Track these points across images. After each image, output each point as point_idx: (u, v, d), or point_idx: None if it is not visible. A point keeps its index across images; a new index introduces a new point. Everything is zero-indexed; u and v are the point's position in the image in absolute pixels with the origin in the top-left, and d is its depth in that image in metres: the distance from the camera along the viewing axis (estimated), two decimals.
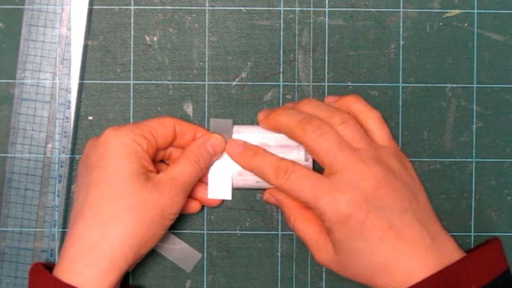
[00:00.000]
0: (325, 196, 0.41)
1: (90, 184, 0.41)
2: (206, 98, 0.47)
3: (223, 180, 0.46)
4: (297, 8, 0.47)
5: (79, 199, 0.42)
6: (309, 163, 0.45)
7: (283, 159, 0.43)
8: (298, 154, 0.45)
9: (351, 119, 0.43)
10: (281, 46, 0.47)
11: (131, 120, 0.47)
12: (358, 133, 0.42)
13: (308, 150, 0.42)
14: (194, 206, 0.46)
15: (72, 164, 0.47)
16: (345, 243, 0.41)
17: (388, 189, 0.41)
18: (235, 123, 0.47)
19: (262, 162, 0.44)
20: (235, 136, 0.46)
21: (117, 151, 0.41)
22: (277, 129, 0.44)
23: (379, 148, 0.43)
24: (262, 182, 0.44)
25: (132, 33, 0.47)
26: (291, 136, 0.43)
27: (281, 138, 0.45)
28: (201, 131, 0.45)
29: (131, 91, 0.47)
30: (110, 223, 0.40)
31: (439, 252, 0.40)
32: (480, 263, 0.40)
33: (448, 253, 0.40)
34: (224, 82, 0.47)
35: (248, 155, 0.44)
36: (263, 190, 0.46)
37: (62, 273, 0.40)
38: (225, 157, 0.45)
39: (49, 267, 0.42)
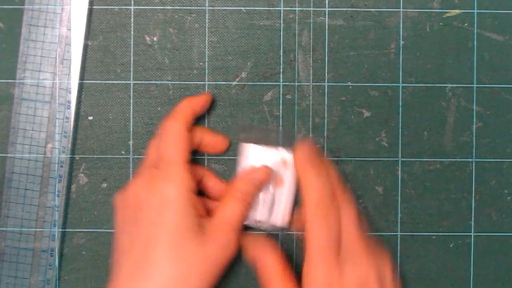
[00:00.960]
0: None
1: (148, 242, 0.40)
2: None
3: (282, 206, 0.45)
4: (297, 8, 0.47)
5: (136, 255, 0.40)
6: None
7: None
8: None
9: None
10: (281, 46, 0.47)
11: (131, 120, 0.47)
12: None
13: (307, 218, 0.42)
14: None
15: (72, 164, 0.47)
16: None
17: None
18: (238, 125, 0.46)
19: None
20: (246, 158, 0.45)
21: (178, 207, 0.40)
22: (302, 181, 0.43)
23: None
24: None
25: (132, 33, 0.47)
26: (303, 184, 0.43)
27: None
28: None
29: (131, 91, 0.47)
30: (179, 284, 0.39)
31: None
32: None
33: None
34: (224, 82, 0.47)
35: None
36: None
37: None
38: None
39: None
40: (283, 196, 0.45)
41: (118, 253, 0.41)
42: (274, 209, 0.45)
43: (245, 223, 0.44)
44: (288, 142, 0.46)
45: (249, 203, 0.43)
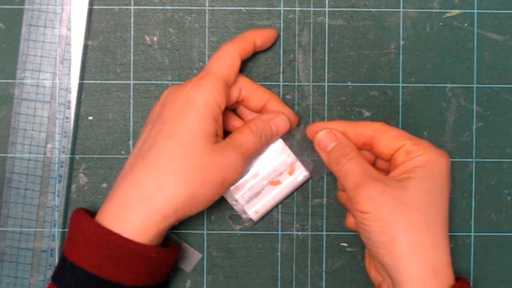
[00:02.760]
0: (432, 148, 0.41)
1: (160, 134, 0.41)
2: None
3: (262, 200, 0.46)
4: (297, 8, 0.47)
5: (145, 145, 0.41)
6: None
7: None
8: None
9: None
10: (281, 46, 0.47)
11: (131, 120, 0.47)
12: None
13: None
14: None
15: (72, 164, 0.47)
16: (425, 182, 0.40)
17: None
18: None
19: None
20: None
21: (199, 111, 0.41)
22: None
23: None
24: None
25: (132, 33, 0.47)
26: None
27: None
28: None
29: (131, 91, 0.47)
30: (173, 179, 0.40)
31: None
32: None
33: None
34: None
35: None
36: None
37: (109, 218, 0.40)
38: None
39: (91, 214, 0.41)
40: (271, 194, 0.46)
41: (135, 150, 0.42)
42: (254, 199, 0.46)
43: (224, 195, 0.45)
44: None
45: (263, 142, 0.44)
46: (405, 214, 0.39)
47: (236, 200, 0.46)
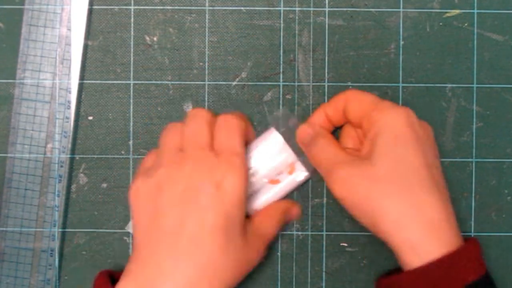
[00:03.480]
0: (388, 109, 0.40)
1: (197, 224, 0.39)
2: (206, 98, 0.47)
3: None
4: (297, 8, 0.47)
5: (180, 234, 0.39)
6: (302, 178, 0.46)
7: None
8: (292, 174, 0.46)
9: None
10: (281, 46, 0.47)
11: (131, 120, 0.47)
12: None
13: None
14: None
15: (72, 164, 0.47)
16: (389, 148, 0.39)
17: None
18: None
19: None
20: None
21: (233, 200, 0.39)
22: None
23: None
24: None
25: (132, 33, 0.47)
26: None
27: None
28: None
29: (131, 91, 0.47)
30: (211, 271, 0.39)
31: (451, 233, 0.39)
32: (470, 258, 0.38)
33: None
34: (224, 82, 0.47)
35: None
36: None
37: None
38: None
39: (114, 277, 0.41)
40: (269, 193, 0.45)
41: (159, 231, 0.39)
42: (252, 197, 0.45)
43: None
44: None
45: (279, 228, 0.44)
46: (380, 189, 0.39)
47: None
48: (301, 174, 0.46)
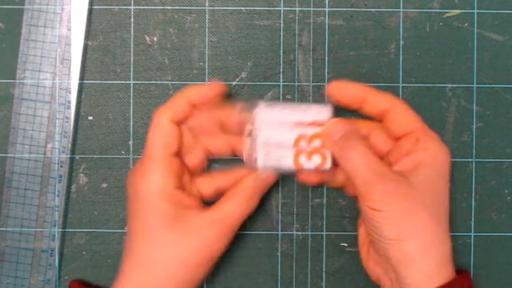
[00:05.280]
0: (438, 142, 0.42)
1: (131, 232, 0.42)
2: None
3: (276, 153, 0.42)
4: (297, 8, 0.47)
5: (126, 243, 0.42)
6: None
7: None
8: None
9: None
10: (281, 46, 0.47)
11: (131, 120, 0.47)
12: None
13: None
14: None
15: (72, 164, 0.47)
16: (433, 181, 0.41)
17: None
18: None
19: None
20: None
21: (147, 199, 0.41)
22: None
23: None
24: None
25: (132, 33, 0.47)
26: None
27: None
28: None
29: (131, 91, 0.47)
30: (158, 272, 0.40)
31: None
32: None
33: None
34: (224, 82, 0.47)
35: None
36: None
37: None
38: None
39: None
40: (287, 161, 0.42)
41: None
42: (271, 149, 0.42)
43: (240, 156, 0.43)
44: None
45: (255, 203, 0.43)
46: (417, 212, 0.40)
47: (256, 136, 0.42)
48: (328, 162, 0.43)
